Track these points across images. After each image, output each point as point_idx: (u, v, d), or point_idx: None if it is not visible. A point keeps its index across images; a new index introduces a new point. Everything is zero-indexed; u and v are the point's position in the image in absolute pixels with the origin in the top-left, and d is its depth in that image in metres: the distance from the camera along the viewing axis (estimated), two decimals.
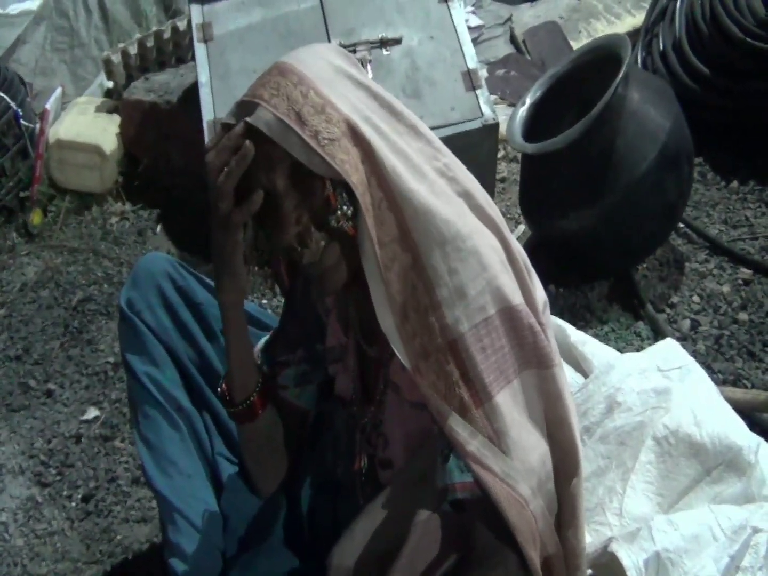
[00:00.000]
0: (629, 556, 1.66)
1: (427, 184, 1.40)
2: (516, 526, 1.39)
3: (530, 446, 1.45)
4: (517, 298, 1.42)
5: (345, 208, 1.39)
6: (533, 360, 1.45)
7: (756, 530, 1.65)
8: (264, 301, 3.15)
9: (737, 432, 1.89)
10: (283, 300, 1.93)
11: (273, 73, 1.39)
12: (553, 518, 1.52)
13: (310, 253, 1.42)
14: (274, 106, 1.35)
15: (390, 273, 1.39)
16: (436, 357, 1.40)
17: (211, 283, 1.89)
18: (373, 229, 1.37)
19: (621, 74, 2.63)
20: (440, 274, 1.38)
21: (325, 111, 1.35)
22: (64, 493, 2.51)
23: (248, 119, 1.35)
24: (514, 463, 1.41)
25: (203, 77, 3.32)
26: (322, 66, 1.41)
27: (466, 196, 1.45)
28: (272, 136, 1.34)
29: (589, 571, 1.70)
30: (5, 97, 3.84)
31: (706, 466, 1.87)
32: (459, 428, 1.39)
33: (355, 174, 1.35)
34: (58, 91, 4.31)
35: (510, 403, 1.42)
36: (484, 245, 1.41)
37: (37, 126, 4.03)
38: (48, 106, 4.08)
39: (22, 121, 3.90)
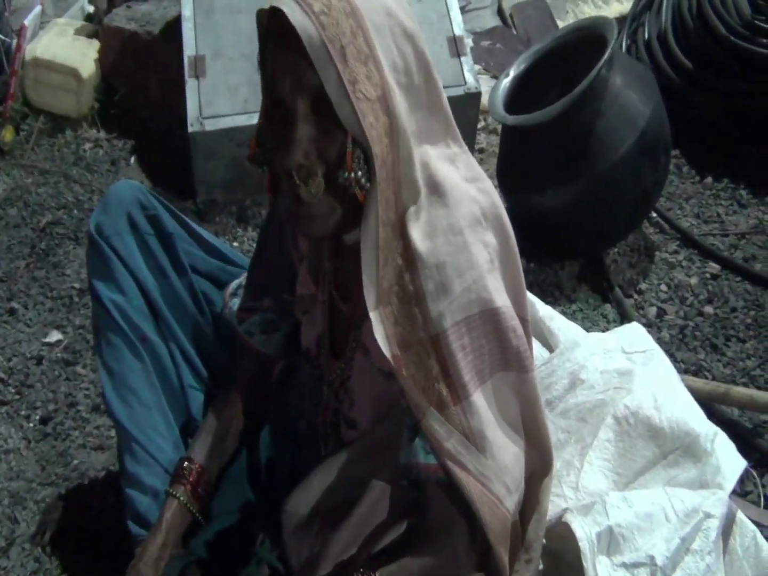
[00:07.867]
0: (582, 528, 1.67)
1: (432, 170, 1.37)
2: (489, 524, 1.41)
3: (505, 445, 1.46)
4: (500, 300, 1.40)
5: (360, 174, 1.30)
6: (514, 363, 1.45)
7: (708, 515, 1.67)
8: (235, 243, 3.13)
9: (696, 419, 1.90)
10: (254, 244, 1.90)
11: None
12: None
13: (307, 192, 1.32)
14: (322, 24, 1.22)
15: (382, 255, 1.35)
16: (417, 350, 1.39)
17: (182, 215, 1.89)
18: (381, 207, 1.32)
19: (606, 56, 2.65)
20: (428, 266, 1.36)
21: (368, 64, 1.26)
22: (22, 412, 2.49)
23: (292, 22, 1.22)
24: (489, 462, 1.42)
25: (187, 11, 3.28)
26: (376, 4, 1.29)
27: (474, 180, 1.42)
28: (311, 54, 1.23)
29: (543, 540, 1.73)
30: None
31: (663, 449, 1.88)
32: (437, 425, 1.39)
33: (378, 145, 1.29)
34: (38, 8, 4.21)
35: (485, 403, 1.43)
36: (476, 242, 1.38)
37: (14, 42, 3.94)
38: (26, 22, 3.98)
39: None
